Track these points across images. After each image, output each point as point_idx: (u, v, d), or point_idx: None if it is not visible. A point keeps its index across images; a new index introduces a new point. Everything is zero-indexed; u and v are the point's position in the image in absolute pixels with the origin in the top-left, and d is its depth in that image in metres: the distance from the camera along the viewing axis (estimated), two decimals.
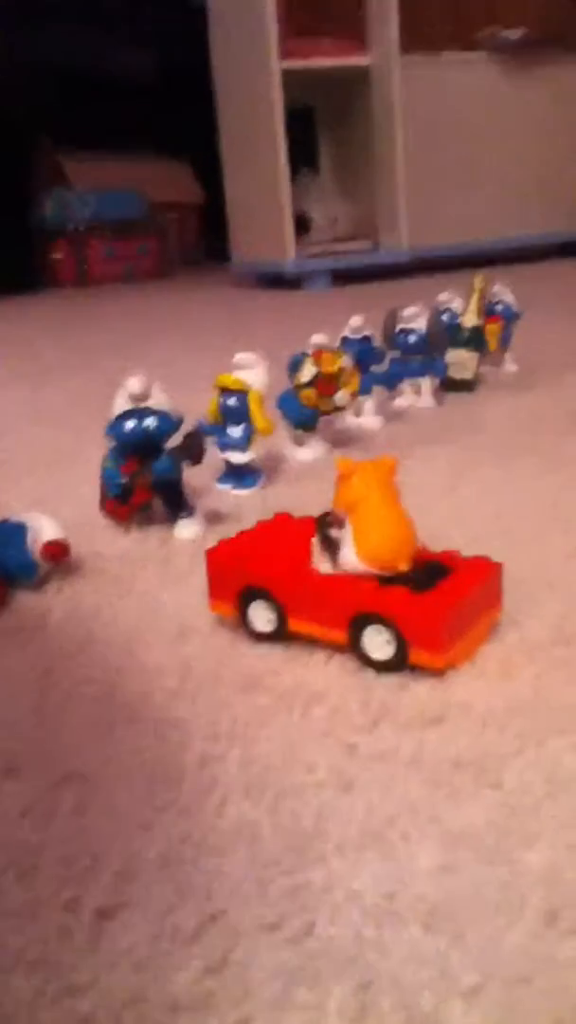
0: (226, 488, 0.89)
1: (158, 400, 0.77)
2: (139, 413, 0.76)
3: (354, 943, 0.34)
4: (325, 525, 0.56)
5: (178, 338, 2.03)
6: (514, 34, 2.79)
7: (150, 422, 0.76)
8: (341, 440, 1.03)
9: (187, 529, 0.77)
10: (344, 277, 2.89)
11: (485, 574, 0.53)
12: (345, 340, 1.07)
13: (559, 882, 0.35)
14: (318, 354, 0.94)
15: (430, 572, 0.53)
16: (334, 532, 0.55)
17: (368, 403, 1.08)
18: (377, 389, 1.10)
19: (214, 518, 0.81)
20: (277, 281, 3.05)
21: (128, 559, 0.73)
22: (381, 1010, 0.31)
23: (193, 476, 0.93)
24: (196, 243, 4.93)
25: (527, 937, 0.33)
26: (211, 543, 0.61)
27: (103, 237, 4.03)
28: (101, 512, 0.80)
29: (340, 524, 0.55)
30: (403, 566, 0.53)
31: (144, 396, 0.76)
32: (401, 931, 0.34)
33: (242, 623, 0.58)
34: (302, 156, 3.03)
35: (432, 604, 0.50)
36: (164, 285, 3.64)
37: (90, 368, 1.68)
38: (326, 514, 0.56)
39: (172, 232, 4.58)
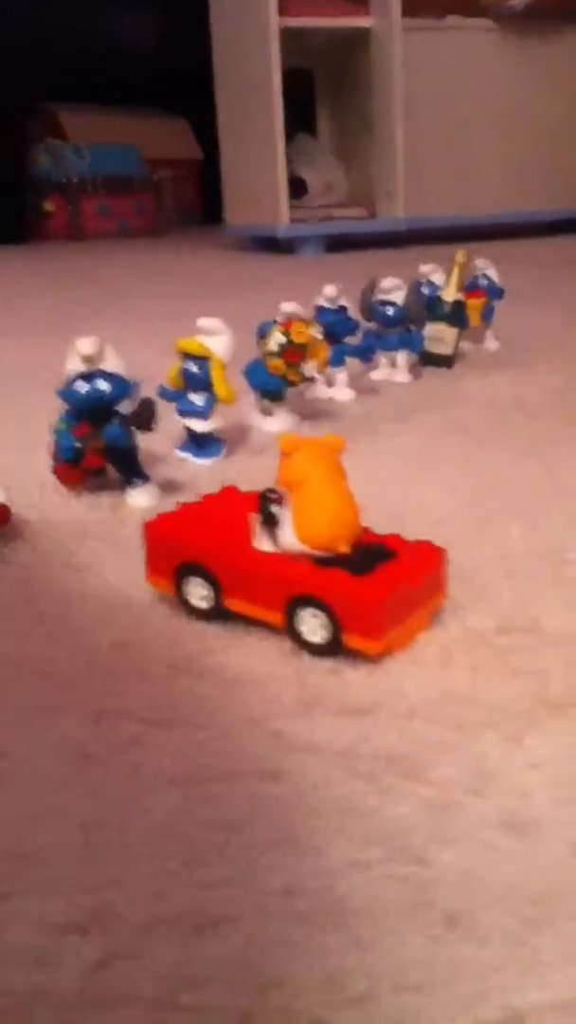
0: (186, 457, 0.87)
1: (112, 363, 0.75)
2: (92, 376, 0.74)
3: (250, 943, 0.32)
4: (267, 502, 0.54)
5: (161, 298, 2.00)
6: (520, 3, 2.73)
7: (103, 385, 0.73)
8: (311, 412, 1.01)
9: (139, 497, 0.75)
10: (338, 244, 2.84)
11: (428, 559, 0.51)
12: (319, 309, 1.05)
13: (468, 884, 0.34)
14: (288, 323, 0.91)
15: (370, 555, 0.51)
16: (276, 509, 0.53)
17: (341, 375, 1.05)
18: (352, 361, 1.07)
19: (170, 487, 0.79)
20: (271, 245, 3.00)
21: (76, 526, 0.71)
22: (266, 1015, 0.29)
23: (154, 443, 0.91)
24: (193, 203, 4.85)
25: (426, 941, 0.32)
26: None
27: (97, 192, 3.96)
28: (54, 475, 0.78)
29: (283, 502, 0.53)
30: (343, 548, 0.51)
31: (97, 358, 0.74)
32: (300, 931, 0.33)
33: (179, 599, 0.56)
34: (299, 119, 2.97)
35: (368, 588, 0.48)
36: (156, 244, 3.59)
37: (67, 325, 1.65)
38: (269, 490, 0.54)
39: (168, 190, 4.51)
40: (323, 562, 0.51)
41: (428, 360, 1.15)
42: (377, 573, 0.49)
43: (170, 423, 0.91)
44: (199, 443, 0.87)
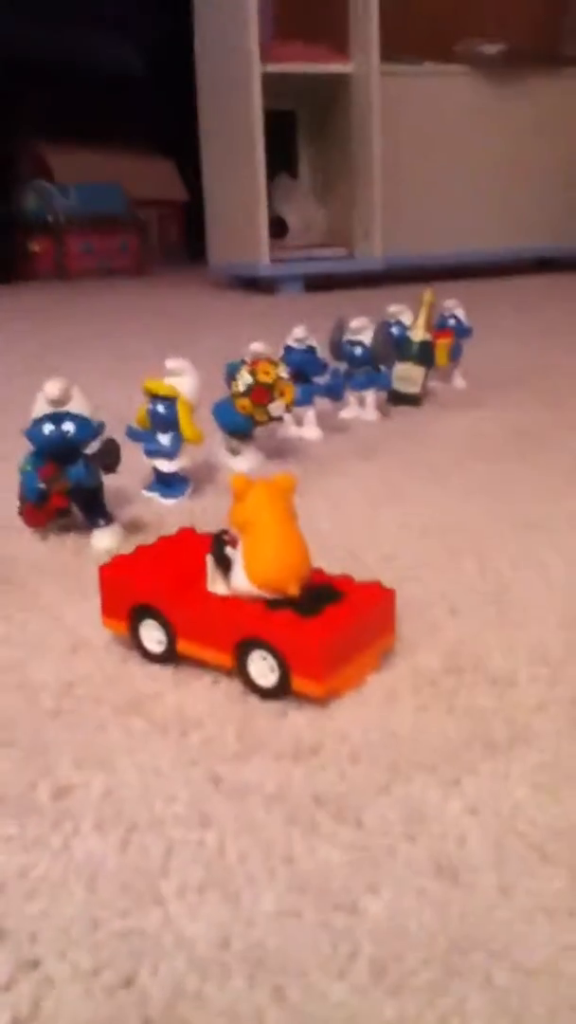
0: (153, 496, 0.87)
1: (78, 404, 0.75)
2: (57, 417, 0.74)
3: (172, 995, 0.32)
4: (221, 544, 0.54)
5: (140, 337, 2.01)
6: (493, 48, 2.79)
7: (68, 427, 0.74)
8: (278, 451, 1.02)
9: (104, 539, 0.76)
10: (317, 283, 2.88)
11: (376, 600, 0.52)
12: (288, 349, 1.06)
13: (396, 933, 0.34)
14: (255, 363, 0.92)
15: (319, 597, 0.51)
16: (229, 551, 0.54)
17: (309, 414, 1.06)
18: (322, 400, 1.08)
19: (136, 527, 0.80)
20: (252, 284, 3.04)
21: (38, 567, 0.71)
22: None
23: (122, 482, 0.92)
24: (178, 242, 4.90)
25: (350, 993, 0.32)
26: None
27: (83, 231, 4.00)
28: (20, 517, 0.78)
29: (236, 543, 0.53)
30: (293, 590, 0.51)
31: (63, 400, 0.74)
32: (224, 983, 0.32)
33: (134, 642, 0.56)
34: (281, 160, 3.01)
35: (314, 630, 0.48)
36: (141, 283, 3.62)
37: (45, 365, 1.66)
38: (223, 532, 0.55)
39: (153, 229, 4.56)
40: (273, 604, 0.51)
41: (397, 399, 1.17)
42: (324, 615, 0.50)
43: (138, 463, 0.91)
44: (166, 483, 0.88)
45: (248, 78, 2.63)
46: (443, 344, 1.21)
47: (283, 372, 0.92)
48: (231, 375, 0.94)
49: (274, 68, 2.65)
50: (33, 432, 0.75)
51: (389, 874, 0.37)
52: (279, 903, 0.36)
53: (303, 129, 3.18)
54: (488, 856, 0.38)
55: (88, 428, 0.75)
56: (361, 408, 1.14)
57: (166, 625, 0.54)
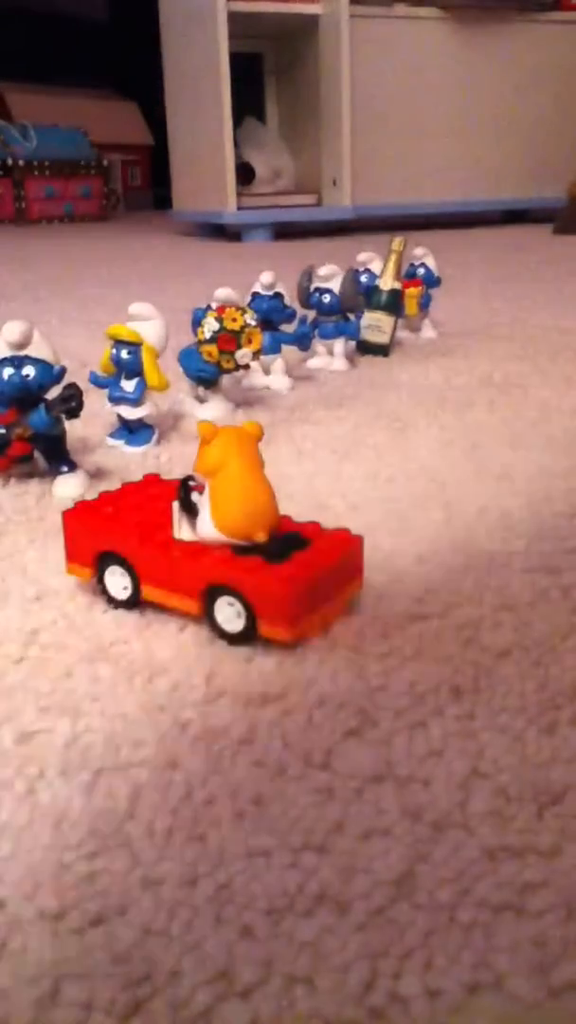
0: (117, 444, 0.86)
1: (39, 348, 0.73)
2: (18, 361, 0.72)
3: (140, 935, 0.32)
4: (187, 490, 0.53)
5: (104, 283, 1.97)
6: None
7: (28, 371, 0.72)
8: (246, 399, 1.00)
9: (68, 486, 0.74)
10: (286, 231, 2.84)
11: (344, 547, 0.51)
12: (255, 296, 1.04)
13: (362, 872, 0.34)
14: (221, 309, 0.90)
15: (286, 543, 0.51)
16: (196, 498, 0.53)
17: (277, 363, 1.05)
18: (289, 349, 1.07)
19: (100, 475, 0.79)
20: (219, 231, 2.99)
21: (0, 514, 0.70)
22: (152, 1009, 0.29)
23: (85, 430, 0.90)
24: (142, 188, 4.80)
25: (318, 931, 0.32)
26: None
27: (44, 175, 3.90)
28: None
29: (202, 490, 0.53)
30: (260, 536, 0.51)
31: (23, 344, 0.72)
32: (192, 923, 0.32)
33: (98, 589, 0.55)
34: (248, 104, 2.95)
35: (282, 576, 0.48)
36: (103, 228, 3.54)
37: (5, 310, 1.62)
38: (188, 478, 0.54)
39: (117, 174, 4.45)
40: (241, 551, 0.51)
41: (365, 348, 1.16)
42: (291, 561, 0.49)
43: (102, 410, 0.90)
44: (130, 430, 0.86)
45: (213, 17, 2.56)
46: (413, 293, 1.20)
47: (251, 319, 0.91)
48: (197, 322, 0.92)
49: (241, 7, 2.58)
50: None
51: (355, 817, 0.37)
52: (246, 844, 0.36)
53: (271, 73, 3.11)
54: (453, 797, 0.38)
55: (49, 372, 0.73)
56: (329, 357, 1.13)
57: (131, 571, 0.53)
